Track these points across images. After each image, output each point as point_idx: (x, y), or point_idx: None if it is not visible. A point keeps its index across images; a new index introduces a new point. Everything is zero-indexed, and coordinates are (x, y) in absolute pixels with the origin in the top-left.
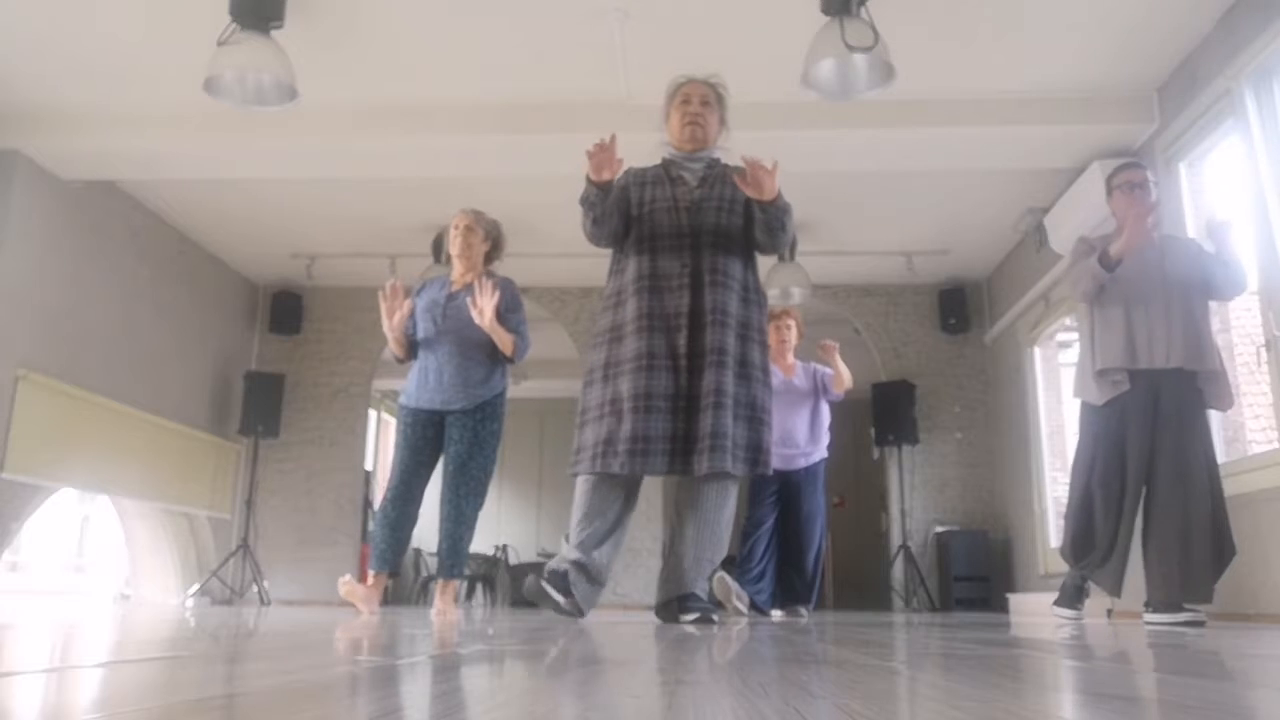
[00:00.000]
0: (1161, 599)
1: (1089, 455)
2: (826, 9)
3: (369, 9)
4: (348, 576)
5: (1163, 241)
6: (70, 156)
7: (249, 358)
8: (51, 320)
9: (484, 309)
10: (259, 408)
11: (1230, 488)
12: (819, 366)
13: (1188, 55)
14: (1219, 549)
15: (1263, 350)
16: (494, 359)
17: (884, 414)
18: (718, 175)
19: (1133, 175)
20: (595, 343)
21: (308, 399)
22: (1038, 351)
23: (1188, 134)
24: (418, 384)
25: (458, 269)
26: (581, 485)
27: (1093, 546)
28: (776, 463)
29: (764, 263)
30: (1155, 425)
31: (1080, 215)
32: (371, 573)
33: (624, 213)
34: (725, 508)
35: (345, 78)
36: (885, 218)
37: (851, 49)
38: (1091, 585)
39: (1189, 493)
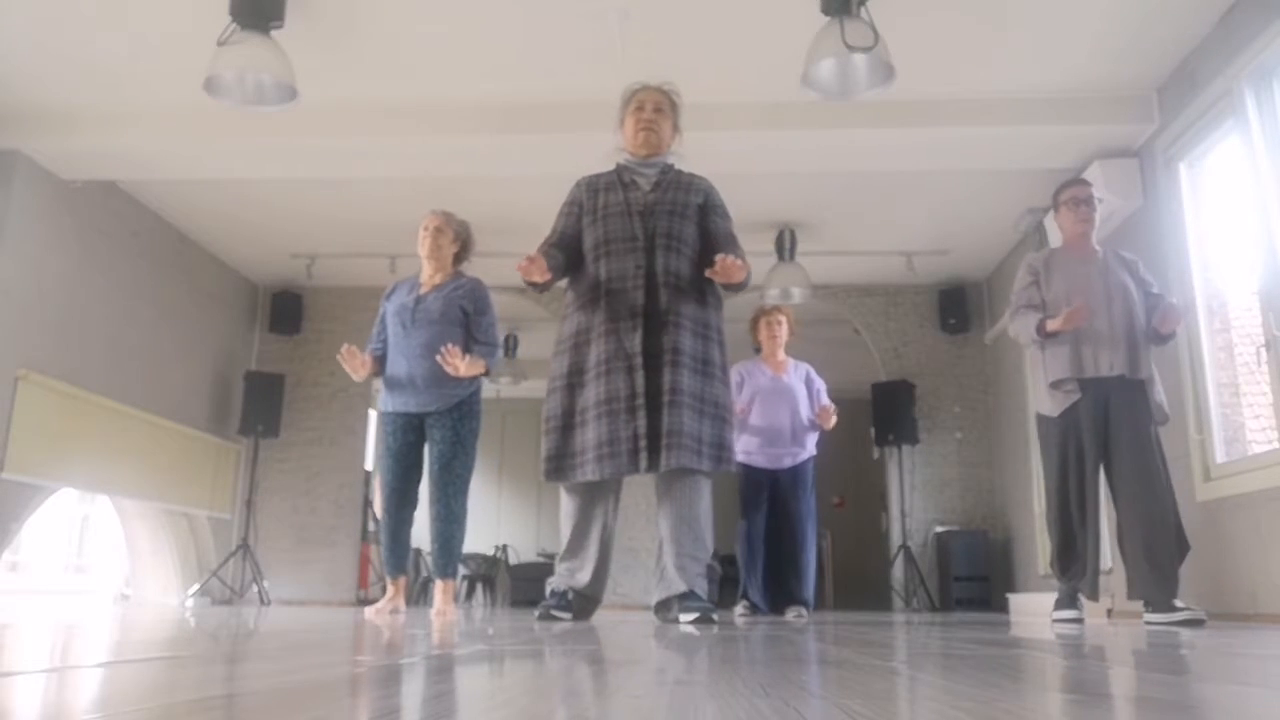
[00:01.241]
0: (1144, 596)
1: (1059, 468)
2: (826, 9)
3: (369, 9)
4: (369, 613)
5: (1105, 255)
6: (70, 156)
7: (249, 358)
8: (51, 320)
9: (457, 366)
10: (259, 408)
11: (1230, 488)
12: (810, 369)
13: (1188, 55)
14: (1180, 545)
15: (1263, 350)
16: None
17: (884, 414)
18: (671, 180)
19: (1078, 192)
20: (557, 350)
21: (308, 399)
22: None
23: (1188, 134)
24: (393, 388)
25: (427, 270)
26: (565, 500)
27: (1077, 556)
28: (764, 461)
29: (764, 262)
30: (1109, 430)
31: None
32: (389, 579)
33: (572, 245)
34: (698, 503)
35: (345, 77)
36: (885, 218)
37: (851, 49)
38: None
39: (1152, 493)
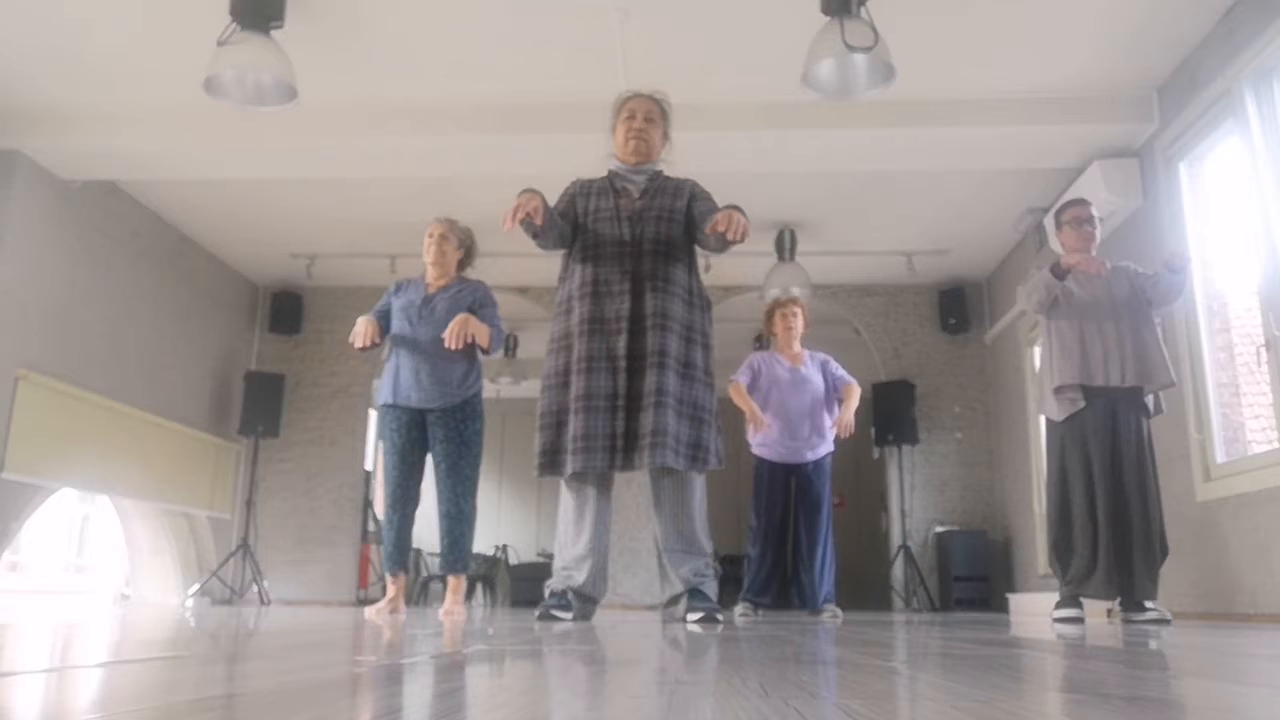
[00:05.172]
0: (1121, 594)
1: (1059, 469)
2: (826, 9)
3: (369, 9)
4: (369, 612)
5: (1108, 271)
6: (70, 156)
7: (249, 357)
8: (51, 320)
9: (465, 328)
10: (259, 408)
11: (1230, 488)
12: (828, 359)
13: (1188, 55)
14: (1161, 550)
15: (1263, 350)
16: (469, 359)
17: (884, 414)
18: (659, 186)
19: (1080, 211)
20: (549, 350)
21: (308, 399)
22: (1037, 351)
23: (1188, 134)
24: (395, 382)
25: (432, 274)
26: (563, 497)
27: (1072, 553)
28: (784, 455)
29: (764, 262)
30: (1115, 440)
31: None
32: (389, 577)
33: (571, 219)
34: (686, 501)
35: (345, 78)
36: (885, 218)
37: (851, 49)
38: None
39: (1145, 508)
